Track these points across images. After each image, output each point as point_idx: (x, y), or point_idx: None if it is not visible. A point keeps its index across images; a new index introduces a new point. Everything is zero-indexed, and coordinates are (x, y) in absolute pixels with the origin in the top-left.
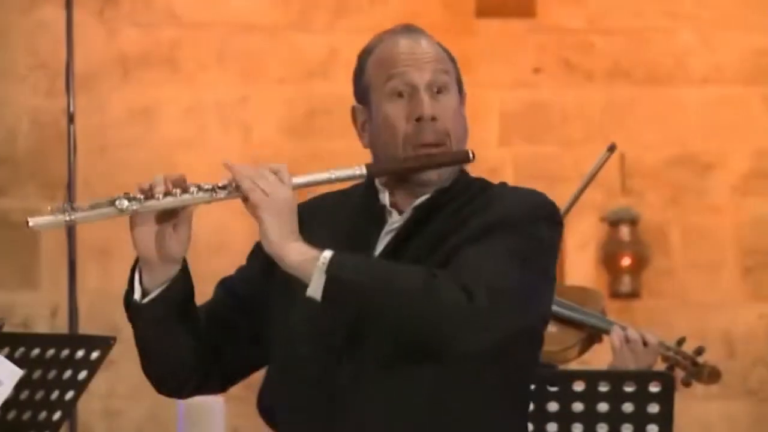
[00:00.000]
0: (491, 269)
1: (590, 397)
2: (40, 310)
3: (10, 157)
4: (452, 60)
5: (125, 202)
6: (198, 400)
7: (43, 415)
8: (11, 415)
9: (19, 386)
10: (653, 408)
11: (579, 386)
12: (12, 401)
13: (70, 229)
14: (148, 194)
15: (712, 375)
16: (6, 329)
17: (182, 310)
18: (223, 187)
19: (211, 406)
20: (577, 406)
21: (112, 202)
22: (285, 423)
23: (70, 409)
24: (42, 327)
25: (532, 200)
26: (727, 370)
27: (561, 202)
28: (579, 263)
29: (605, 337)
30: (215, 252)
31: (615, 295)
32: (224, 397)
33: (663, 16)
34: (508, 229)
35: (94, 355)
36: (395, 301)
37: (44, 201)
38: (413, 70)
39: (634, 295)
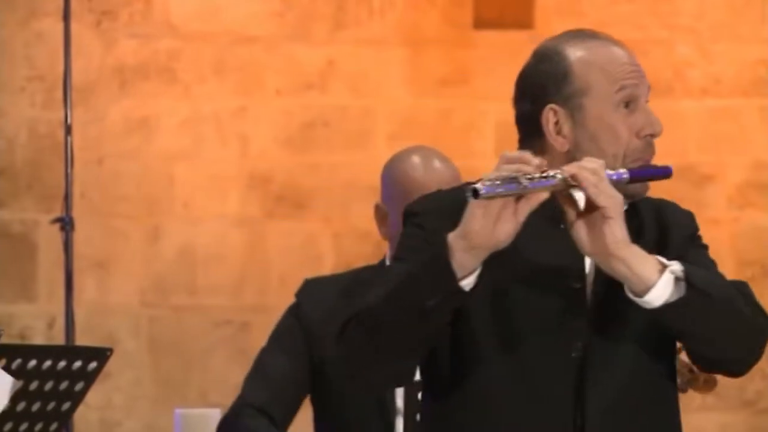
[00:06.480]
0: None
1: None
2: (37, 322)
3: (7, 168)
4: None
5: (525, 181)
6: (194, 411)
7: (39, 426)
8: (8, 426)
9: (16, 398)
10: None
11: None
12: (9, 413)
13: (67, 242)
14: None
15: (708, 383)
16: (3, 341)
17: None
18: (574, 185)
19: (207, 416)
20: None
21: (514, 179)
22: None
23: (66, 421)
24: (39, 339)
25: (689, 212)
26: (724, 382)
27: None
28: None
29: None
30: (213, 264)
31: None
32: (221, 409)
33: (661, 28)
34: (700, 242)
35: (91, 366)
36: (731, 317)
37: (41, 213)
38: (639, 83)
39: None
